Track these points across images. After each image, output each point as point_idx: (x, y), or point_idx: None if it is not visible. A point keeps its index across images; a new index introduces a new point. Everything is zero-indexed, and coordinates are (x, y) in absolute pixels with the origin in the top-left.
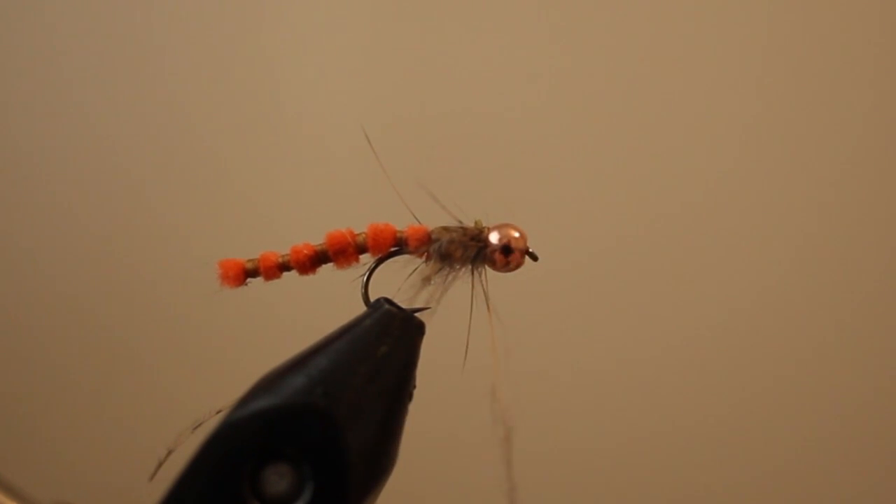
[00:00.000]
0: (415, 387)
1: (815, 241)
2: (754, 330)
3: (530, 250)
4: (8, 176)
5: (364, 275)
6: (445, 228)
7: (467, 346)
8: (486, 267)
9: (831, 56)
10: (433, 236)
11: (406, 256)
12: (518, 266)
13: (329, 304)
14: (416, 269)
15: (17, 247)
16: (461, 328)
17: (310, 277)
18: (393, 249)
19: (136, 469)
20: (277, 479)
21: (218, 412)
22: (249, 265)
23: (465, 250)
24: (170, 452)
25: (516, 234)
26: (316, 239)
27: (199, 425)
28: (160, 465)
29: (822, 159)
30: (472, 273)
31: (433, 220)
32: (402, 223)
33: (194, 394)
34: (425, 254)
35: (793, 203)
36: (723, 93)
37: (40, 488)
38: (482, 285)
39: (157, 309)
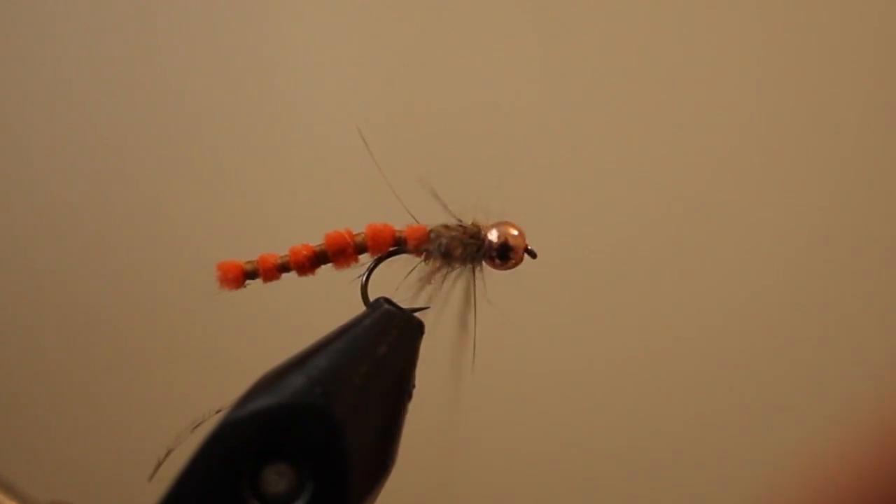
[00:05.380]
0: (414, 386)
1: (815, 241)
2: (754, 329)
3: (529, 248)
4: (9, 175)
5: (363, 275)
6: (444, 227)
7: (474, 345)
8: (486, 265)
9: (831, 53)
10: (432, 235)
11: (405, 255)
12: (517, 264)
13: (328, 304)
14: (414, 268)
15: (17, 247)
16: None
17: (309, 277)
18: (392, 249)
19: (136, 469)
20: (277, 478)
21: (217, 412)
22: (248, 267)
23: (464, 249)
24: (169, 452)
25: (515, 232)
26: (314, 239)
27: (199, 425)
28: (159, 464)
29: (822, 158)
30: (472, 272)
31: (431, 219)
32: (401, 222)
33: (194, 393)
34: (424, 253)
35: (793, 201)
36: (722, 90)
37: (39, 488)
38: (481, 283)
39: (156, 309)
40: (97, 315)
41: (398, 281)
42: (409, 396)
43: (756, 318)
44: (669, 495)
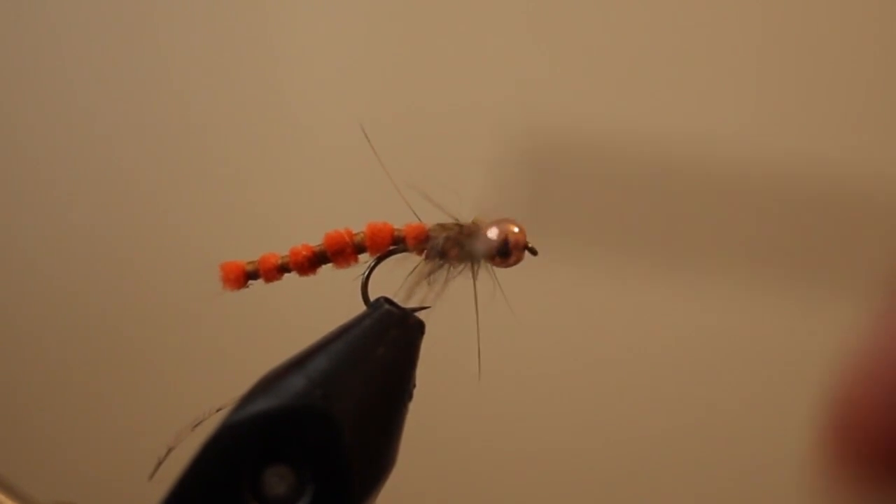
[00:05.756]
0: (415, 386)
1: (816, 238)
2: (755, 329)
3: (530, 245)
4: (10, 176)
5: (363, 274)
6: (443, 226)
7: (479, 346)
8: (486, 263)
9: (830, 53)
10: (431, 234)
11: (405, 254)
12: (518, 261)
13: (328, 303)
14: (415, 266)
15: (19, 247)
16: (461, 326)
17: (310, 276)
18: (391, 248)
19: (139, 468)
20: (278, 480)
21: (218, 410)
22: (250, 267)
23: (462, 248)
24: (169, 450)
25: (515, 229)
26: (313, 239)
27: (199, 423)
28: (160, 463)
29: (821, 157)
30: (472, 270)
31: (435, 217)
32: (401, 220)
33: (196, 392)
34: (424, 251)
35: (792, 201)
36: (721, 90)
37: (43, 488)
38: (484, 279)
39: (158, 309)
40: (98, 314)
41: (398, 279)
42: (410, 396)
43: (757, 318)
44: (670, 496)
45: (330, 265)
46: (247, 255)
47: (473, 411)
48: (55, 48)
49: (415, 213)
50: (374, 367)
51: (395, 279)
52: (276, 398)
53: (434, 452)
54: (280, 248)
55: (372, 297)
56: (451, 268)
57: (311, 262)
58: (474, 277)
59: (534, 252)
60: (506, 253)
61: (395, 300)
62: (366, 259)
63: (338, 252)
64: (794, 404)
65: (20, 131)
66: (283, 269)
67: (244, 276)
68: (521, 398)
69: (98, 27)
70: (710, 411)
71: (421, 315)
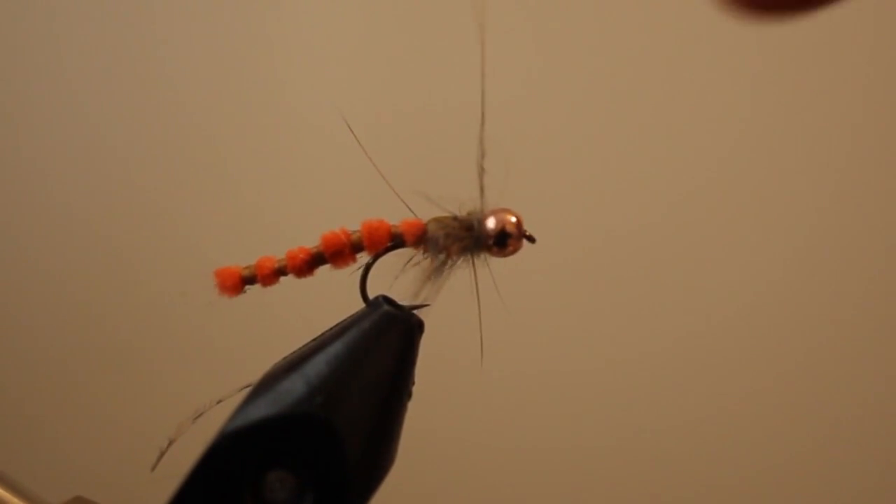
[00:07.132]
0: (414, 384)
1: (814, 240)
2: (753, 329)
3: (527, 233)
4: (11, 179)
5: (361, 271)
6: (440, 219)
7: (482, 340)
8: (485, 254)
9: (830, 52)
10: (429, 229)
11: (403, 249)
12: (516, 250)
13: (327, 295)
14: (411, 259)
15: (23, 250)
16: (461, 324)
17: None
18: (389, 245)
19: (144, 461)
20: (279, 485)
21: (218, 402)
22: (246, 272)
23: (461, 242)
24: (171, 443)
25: (512, 219)
26: (308, 238)
27: (200, 415)
28: (161, 455)
29: (821, 156)
30: (472, 262)
31: (429, 211)
32: (398, 216)
33: (198, 386)
34: (423, 247)
35: (792, 200)
36: (721, 89)
37: (49, 486)
38: (482, 272)
39: (160, 308)
40: (103, 314)
41: (397, 272)
42: (409, 396)
43: (758, 318)
44: (669, 495)
45: (327, 266)
46: (240, 255)
47: (473, 408)
48: (56, 48)
49: (410, 210)
50: (373, 370)
51: (393, 271)
52: (276, 405)
53: (434, 450)
54: (275, 251)
55: (371, 293)
56: (451, 262)
57: (309, 265)
58: (474, 269)
59: (532, 240)
60: (504, 242)
61: (395, 295)
62: (364, 256)
63: (336, 253)
64: (796, 405)
65: (21, 133)
66: (280, 272)
67: (241, 282)
68: (521, 395)
69: (98, 27)
70: (712, 411)
71: (420, 312)
